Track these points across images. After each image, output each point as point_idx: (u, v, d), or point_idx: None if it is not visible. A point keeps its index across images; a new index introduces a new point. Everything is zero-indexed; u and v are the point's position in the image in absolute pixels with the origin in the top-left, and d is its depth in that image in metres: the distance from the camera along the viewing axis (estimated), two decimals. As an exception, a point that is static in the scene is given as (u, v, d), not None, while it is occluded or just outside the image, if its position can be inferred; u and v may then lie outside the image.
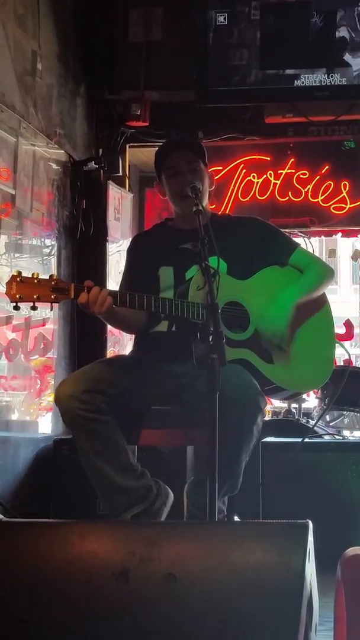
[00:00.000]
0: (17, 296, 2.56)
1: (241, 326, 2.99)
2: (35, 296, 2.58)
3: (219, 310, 2.60)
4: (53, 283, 2.62)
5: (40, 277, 2.61)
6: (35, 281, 2.59)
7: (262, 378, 2.94)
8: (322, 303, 3.19)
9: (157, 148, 3.25)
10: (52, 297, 2.61)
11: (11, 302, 2.58)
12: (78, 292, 2.68)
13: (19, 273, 2.58)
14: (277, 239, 3.23)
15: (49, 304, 2.64)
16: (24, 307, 2.61)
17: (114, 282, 5.57)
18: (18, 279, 2.57)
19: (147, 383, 2.96)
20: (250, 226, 3.24)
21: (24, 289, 2.57)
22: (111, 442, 2.84)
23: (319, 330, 3.16)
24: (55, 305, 2.67)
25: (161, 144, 3.33)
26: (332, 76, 5.41)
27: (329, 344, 3.20)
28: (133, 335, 3.27)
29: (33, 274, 2.60)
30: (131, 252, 3.31)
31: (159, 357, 3.01)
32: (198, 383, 2.73)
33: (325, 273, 3.20)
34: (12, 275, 2.58)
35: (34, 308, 2.63)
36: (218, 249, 2.74)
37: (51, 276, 2.65)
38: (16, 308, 2.61)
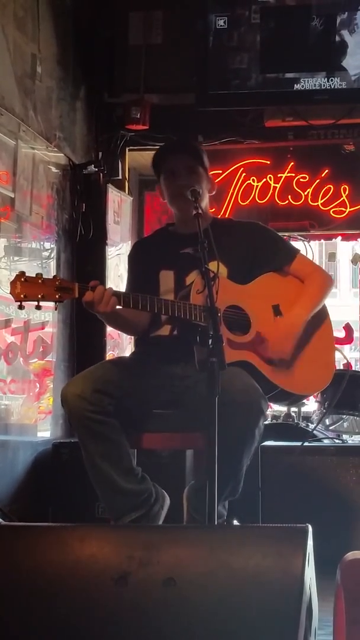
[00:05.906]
0: (22, 295, 2.57)
1: (242, 329, 2.99)
2: (39, 295, 2.59)
3: (221, 313, 2.59)
4: (57, 283, 2.63)
5: (44, 277, 2.62)
6: (40, 281, 2.60)
7: (265, 383, 2.94)
8: (322, 309, 3.20)
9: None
10: (57, 296, 2.62)
11: (16, 301, 2.58)
12: (83, 291, 2.69)
13: (23, 273, 2.59)
14: (278, 245, 3.23)
15: (54, 303, 2.64)
16: (23, 310, 2.61)
17: (113, 285, 5.54)
18: (22, 279, 2.58)
19: (149, 386, 2.96)
20: (252, 231, 3.23)
21: (28, 288, 2.58)
22: (116, 445, 2.84)
23: (320, 335, 3.16)
24: (55, 307, 2.68)
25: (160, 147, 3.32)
26: (332, 80, 5.41)
27: (329, 348, 3.21)
28: (132, 339, 3.28)
29: (37, 274, 2.62)
30: (132, 257, 3.33)
31: (160, 360, 3.00)
32: (199, 386, 2.73)
33: (326, 283, 3.21)
34: (16, 275, 2.59)
35: (38, 307, 2.63)
36: (219, 253, 2.74)
37: (55, 276, 2.67)
38: (20, 307, 2.61)
